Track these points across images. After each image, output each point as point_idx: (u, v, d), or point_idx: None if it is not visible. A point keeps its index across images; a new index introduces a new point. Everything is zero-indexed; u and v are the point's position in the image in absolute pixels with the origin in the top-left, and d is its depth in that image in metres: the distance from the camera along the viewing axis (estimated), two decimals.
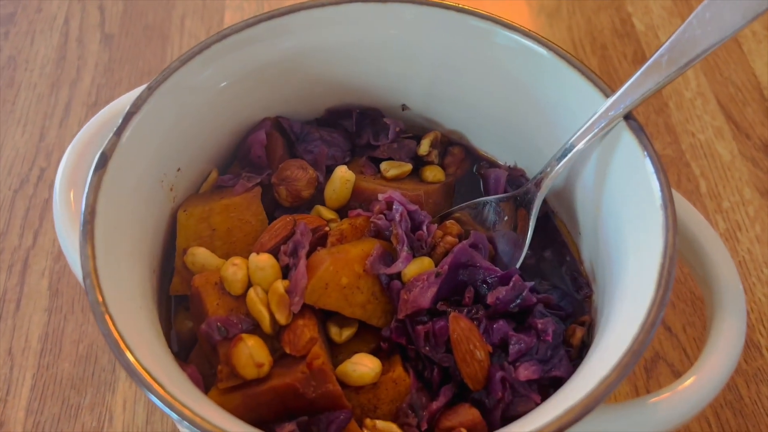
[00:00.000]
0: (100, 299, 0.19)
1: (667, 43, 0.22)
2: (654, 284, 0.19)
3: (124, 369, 0.18)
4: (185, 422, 0.17)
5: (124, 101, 0.25)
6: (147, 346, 0.19)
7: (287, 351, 0.22)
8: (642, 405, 0.19)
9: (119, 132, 0.22)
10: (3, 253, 0.31)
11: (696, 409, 0.20)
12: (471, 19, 0.25)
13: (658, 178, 0.21)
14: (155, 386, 0.17)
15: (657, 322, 0.18)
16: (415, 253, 0.25)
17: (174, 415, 0.17)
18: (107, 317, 0.18)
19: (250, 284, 0.24)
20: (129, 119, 0.22)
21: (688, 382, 0.20)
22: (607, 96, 0.22)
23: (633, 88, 0.22)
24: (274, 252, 0.25)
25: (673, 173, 0.34)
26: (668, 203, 0.20)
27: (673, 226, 0.20)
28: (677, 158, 0.35)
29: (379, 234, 0.25)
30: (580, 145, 0.23)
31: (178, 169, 0.25)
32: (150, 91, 0.23)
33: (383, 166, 0.29)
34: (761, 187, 0.33)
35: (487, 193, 0.28)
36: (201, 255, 0.24)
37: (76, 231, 0.22)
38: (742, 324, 0.21)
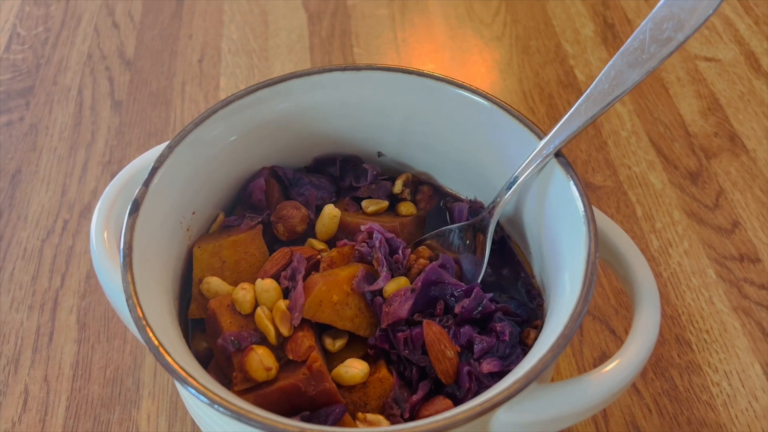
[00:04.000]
0: (141, 315, 0.23)
1: (583, 96, 0.28)
2: (580, 284, 0.24)
3: (165, 369, 0.22)
4: (217, 406, 0.21)
5: (139, 162, 0.30)
6: (179, 352, 0.23)
7: (290, 357, 0.27)
8: (575, 383, 0.24)
9: (147, 183, 0.27)
10: (35, 294, 0.35)
11: (620, 385, 0.24)
12: (428, 80, 0.31)
13: (582, 200, 0.26)
14: (191, 380, 0.22)
15: (583, 312, 0.23)
16: (393, 273, 0.30)
17: (209, 401, 0.21)
18: (148, 329, 0.23)
19: (257, 304, 0.28)
20: (154, 172, 0.27)
21: (613, 364, 0.25)
22: (540, 138, 0.28)
23: (559, 131, 0.28)
24: (276, 277, 0.29)
25: (612, 201, 0.39)
26: (590, 219, 0.26)
27: (594, 236, 0.25)
28: (616, 188, 0.40)
29: (362, 259, 0.30)
30: (521, 179, 0.28)
31: (193, 213, 0.30)
32: (170, 149, 0.28)
33: (364, 203, 0.34)
34: (687, 210, 0.39)
35: (452, 223, 0.34)
36: (214, 283, 0.29)
37: (111, 264, 0.27)
38: (657, 315, 0.26)
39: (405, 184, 0.35)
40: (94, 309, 0.35)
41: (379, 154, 0.35)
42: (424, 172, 0.35)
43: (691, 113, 0.43)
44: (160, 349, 0.23)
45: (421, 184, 0.36)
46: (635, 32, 0.27)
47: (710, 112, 0.43)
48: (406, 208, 0.34)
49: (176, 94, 0.45)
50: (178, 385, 0.26)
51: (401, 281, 0.30)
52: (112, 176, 0.38)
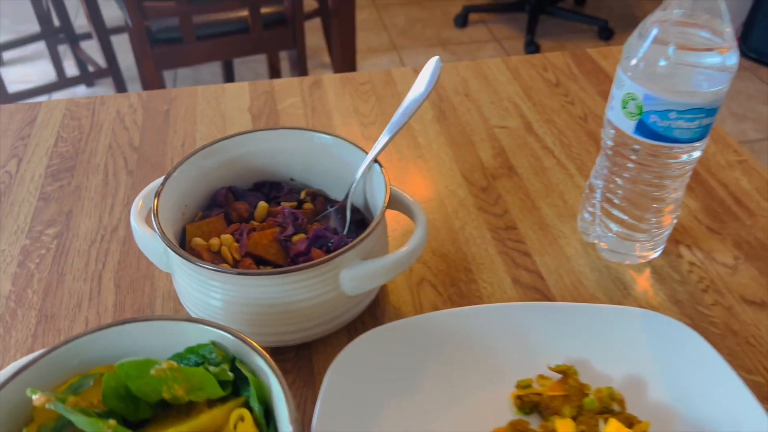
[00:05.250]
0: (165, 235, 0.47)
1: (388, 126, 0.54)
2: (380, 212, 0.49)
3: (175, 252, 0.46)
4: (200, 266, 0.45)
5: (152, 185, 0.55)
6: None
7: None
8: (385, 257, 0.48)
9: (163, 183, 0.52)
10: (87, 272, 0.59)
11: (407, 256, 0.48)
12: (305, 132, 0.57)
13: (385, 180, 0.52)
14: (188, 255, 0.45)
15: (380, 221, 0.48)
16: (296, 231, 0.54)
17: (195, 265, 0.45)
18: (167, 240, 0.47)
19: (221, 246, 0.52)
20: (166, 180, 0.52)
21: (403, 249, 0.49)
22: (366, 153, 0.54)
23: (374, 150, 0.54)
24: (232, 235, 0.54)
25: (435, 206, 0.66)
26: (388, 187, 0.51)
27: (389, 194, 0.50)
28: (436, 198, 0.66)
29: (285, 228, 0.55)
30: (358, 175, 0.54)
31: (186, 205, 0.54)
32: (174, 169, 0.53)
33: (282, 203, 0.59)
34: (478, 206, 0.65)
35: None
36: (198, 241, 0.53)
37: (144, 227, 0.51)
38: (424, 230, 0.50)
39: (307, 194, 0.60)
40: (124, 278, 0.58)
41: (291, 179, 0.60)
42: (318, 189, 0.61)
43: (486, 157, 0.71)
44: (176, 247, 0.46)
45: (316, 196, 0.61)
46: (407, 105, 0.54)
47: (498, 156, 0.71)
48: (307, 206, 0.60)
49: (168, 164, 0.70)
50: (180, 265, 0.49)
51: (301, 235, 0.54)
52: (129, 210, 0.63)
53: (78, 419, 0.35)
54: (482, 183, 0.67)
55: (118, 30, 2.18)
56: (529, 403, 0.46)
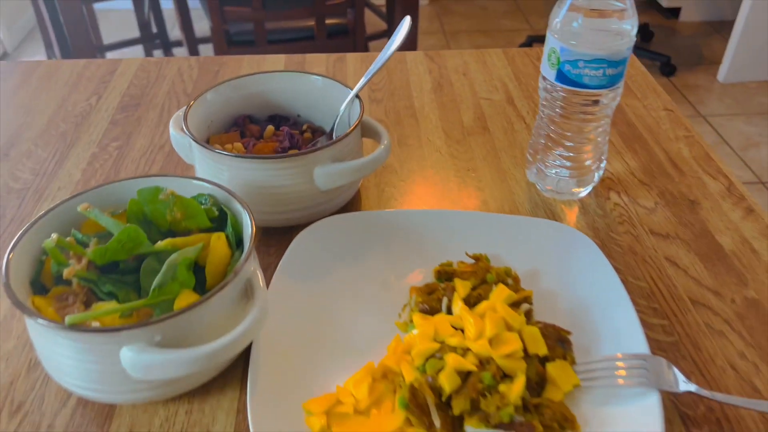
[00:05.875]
0: (190, 132, 0.64)
1: (372, 67, 0.69)
2: (357, 117, 0.64)
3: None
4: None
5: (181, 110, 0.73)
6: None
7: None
8: (348, 162, 0.63)
9: (194, 101, 0.69)
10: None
11: (365, 168, 0.63)
12: (305, 75, 0.73)
13: (361, 107, 0.66)
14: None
15: (351, 135, 0.63)
16: (291, 146, 0.70)
17: (209, 150, 0.61)
18: (192, 137, 0.63)
19: (233, 150, 0.69)
20: (196, 99, 0.69)
21: (365, 157, 0.64)
22: (351, 89, 0.70)
23: (356, 88, 0.69)
24: (244, 145, 0.70)
25: (416, 154, 0.80)
26: (362, 114, 0.66)
27: (362, 113, 0.65)
28: (420, 147, 0.81)
29: (283, 142, 0.71)
30: (343, 106, 0.69)
31: (212, 121, 0.71)
32: (204, 93, 0.70)
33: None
34: (449, 154, 0.79)
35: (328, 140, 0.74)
36: (217, 146, 0.69)
37: (179, 133, 0.68)
38: (388, 146, 0.65)
39: (308, 128, 0.76)
40: None
41: (298, 116, 0.76)
42: (319, 126, 0.76)
43: (467, 120, 0.85)
44: (196, 138, 0.63)
45: (316, 130, 0.76)
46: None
47: (478, 119, 0.85)
48: (307, 135, 0.75)
49: None
50: (199, 154, 0.65)
51: (295, 150, 0.70)
52: None
53: (106, 220, 0.51)
54: (458, 137, 0.81)
55: (205, 40, 2.46)
56: (445, 274, 0.59)
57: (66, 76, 0.94)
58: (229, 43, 1.85)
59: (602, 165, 0.69)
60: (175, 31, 2.97)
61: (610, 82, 0.62)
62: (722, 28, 3.29)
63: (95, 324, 0.45)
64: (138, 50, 2.79)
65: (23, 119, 0.85)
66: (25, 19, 3.29)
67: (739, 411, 0.49)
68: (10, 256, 0.48)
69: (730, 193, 0.71)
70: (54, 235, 0.49)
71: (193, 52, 2.20)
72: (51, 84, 0.92)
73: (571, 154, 0.67)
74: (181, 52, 2.63)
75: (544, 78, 0.65)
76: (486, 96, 0.89)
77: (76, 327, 0.44)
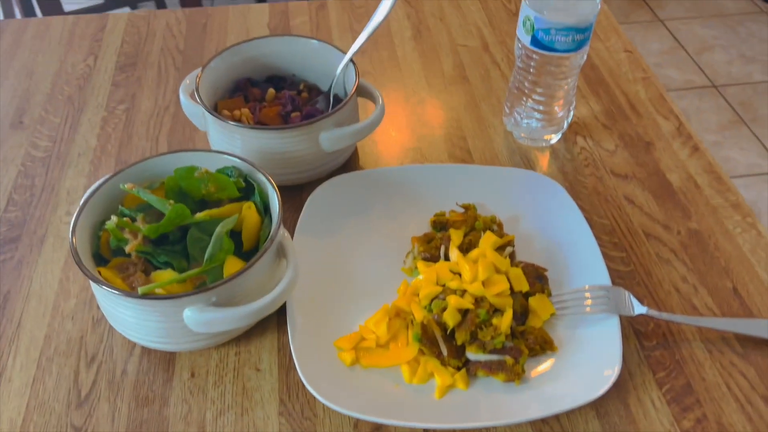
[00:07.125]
0: (203, 102, 0.70)
1: (363, 32, 0.76)
2: (353, 85, 0.72)
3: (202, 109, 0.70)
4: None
5: (197, 71, 0.78)
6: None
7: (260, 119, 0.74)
8: (350, 126, 0.71)
9: (202, 70, 0.74)
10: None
11: (364, 131, 0.71)
12: (305, 39, 0.79)
13: (356, 72, 0.73)
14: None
15: (350, 102, 0.71)
16: (293, 109, 0.77)
17: (224, 122, 0.69)
18: (206, 107, 0.70)
19: (241, 116, 0.76)
20: (204, 68, 0.74)
21: (363, 121, 0.72)
22: (345, 53, 0.76)
23: (350, 52, 0.76)
24: (250, 110, 0.77)
25: (400, 109, 0.88)
26: (357, 78, 0.73)
27: (357, 81, 0.73)
28: (401, 88, 0.88)
29: (285, 106, 0.78)
30: (338, 70, 0.76)
31: (217, 88, 0.77)
32: (210, 60, 0.76)
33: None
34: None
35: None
36: (225, 112, 0.76)
37: (191, 102, 0.74)
38: (382, 109, 0.73)
39: (304, 86, 0.82)
40: (173, 140, 0.82)
41: (293, 75, 0.82)
42: (313, 83, 0.83)
43: (447, 68, 0.92)
44: (212, 111, 0.69)
45: (311, 88, 0.83)
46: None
47: (457, 68, 0.92)
48: (304, 95, 0.82)
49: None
50: (213, 124, 0.73)
51: (297, 112, 0.77)
52: (178, 94, 0.86)
53: (150, 197, 0.59)
54: (440, 87, 0.89)
55: None
56: (439, 223, 0.69)
57: (58, 35, 0.97)
58: None
59: (571, 113, 0.79)
60: None
61: (579, 46, 0.70)
62: None
63: (159, 291, 0.54)
64: None
65: (27, 83, 0.89)
66: None
67: (680, 326, 0.62)
68: (74, 238, 0.56)
69: (680, 133, 0.82)
70: (114, 217, 0.57)
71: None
72: (45, 44, 0.95)
73: (543, 107, 0.76)
74: None
75: (520, 41, 0.72)
76: (462, 42, 0.96)
77: (147, 296, 0.53)
